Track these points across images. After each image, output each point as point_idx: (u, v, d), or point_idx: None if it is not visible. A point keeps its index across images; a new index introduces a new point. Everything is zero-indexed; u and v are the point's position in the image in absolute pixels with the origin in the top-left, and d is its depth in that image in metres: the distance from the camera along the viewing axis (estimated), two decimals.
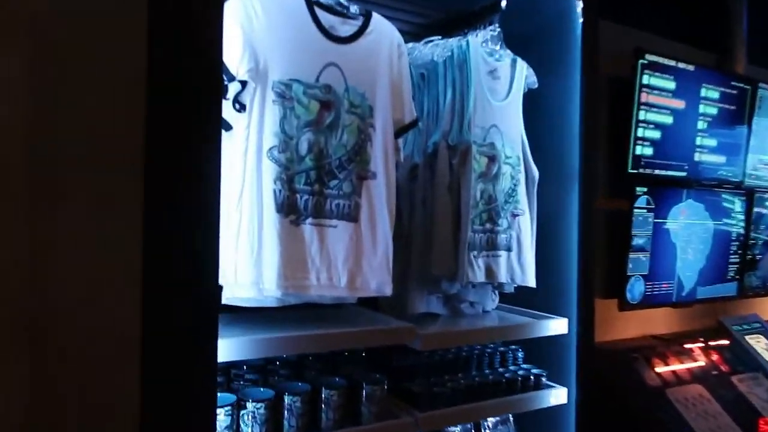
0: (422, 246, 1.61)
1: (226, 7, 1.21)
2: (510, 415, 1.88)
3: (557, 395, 1.69)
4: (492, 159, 1.66)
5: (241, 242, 1.24)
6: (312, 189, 1.31)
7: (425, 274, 1.60)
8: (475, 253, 1.62)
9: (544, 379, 1.71)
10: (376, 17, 1.43)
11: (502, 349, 1.79)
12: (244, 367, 1.33)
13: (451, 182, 1.60)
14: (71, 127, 0.97)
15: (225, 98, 1.23)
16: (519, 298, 1.81)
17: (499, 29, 1.70)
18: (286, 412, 1.27)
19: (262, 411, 1.23)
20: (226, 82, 1.21)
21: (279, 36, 1.27)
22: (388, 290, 1.40)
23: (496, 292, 1.86)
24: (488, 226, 1.65)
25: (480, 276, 1.62)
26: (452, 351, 1.71)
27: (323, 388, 1.32)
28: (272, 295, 1.28)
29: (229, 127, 1.26)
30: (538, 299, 1.78)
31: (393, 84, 1.44)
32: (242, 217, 1.24)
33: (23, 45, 0.94)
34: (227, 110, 1.25)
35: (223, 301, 1.27)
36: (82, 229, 0.97)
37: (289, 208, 1.28)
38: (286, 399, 1.27)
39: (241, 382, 1.32)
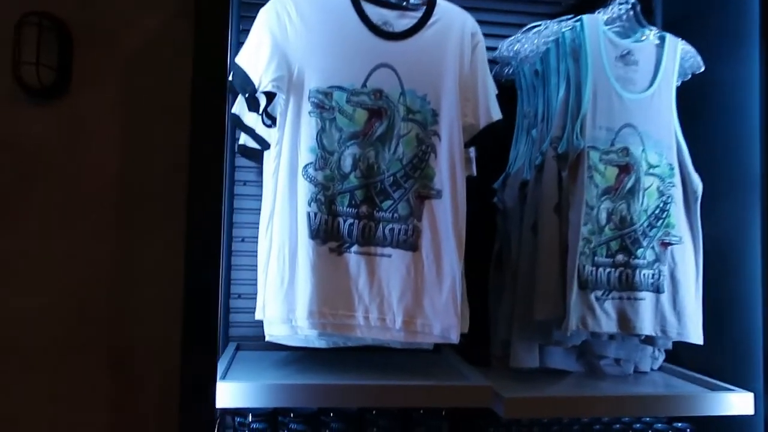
0: (528, 283, 1.27)
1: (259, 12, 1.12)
2: None
3: None
4: (625, 169, 1.25)
5: (271, 273, 1.10)
6: (358, 212, 1.12)
7: (530, 319, 1.25)
8: (599, 293, 1.22)
9: None
10: (443, 4, 1.20)
11: (660, 426, 1.31)
12: (291, 415, 1.18)
13: (560, 201, 1.24)
14: None
15: (256, 112, 1.13)
16: (695, 359, 1.32)
17: (634, 1, 1.31)
18: None
19: None
20: (243, 95, 1.11)
21: (317, 39, 1.13)
22: (454, 336, 1.11)
23: (661, 349, 1.39)
24: (621, 258, 1.24)
25: (608, 324, 1.21)
26: (579, 423, 1.31)
27: None
28: (306, 333, 1.11)
29: (266, 145, 1.15)
30: (708, 360, 1.27)
31: (464, 82, 1.18)
32: (272, 244, 1.11)
33: None
34: (260, 126, 1.15)
35: (267, 338, 1.15)
36: None
37: (327, 235, 1.11)
38: None
39: (285, 431, 1.17)
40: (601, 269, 1.23)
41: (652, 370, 1.38)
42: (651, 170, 1.27)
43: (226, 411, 1.20)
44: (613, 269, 1.24)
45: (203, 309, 0.97)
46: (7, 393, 1.25)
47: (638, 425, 1.32)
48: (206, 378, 0.96)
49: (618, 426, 1.31)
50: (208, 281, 0.96)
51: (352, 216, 1.12)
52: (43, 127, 1.30)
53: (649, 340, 1.32)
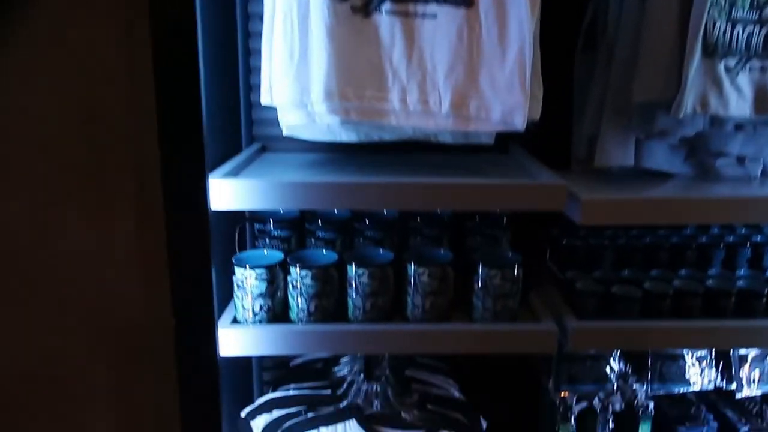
0: (629, 58, 0.93)
1: None
2: None
3: None
4: None
5: (277, 43, 0.84)
6: None
7: (628, 104, 0.94)
8: (732, 62, 0.87)
9: None
10: None
11: None
12: (319, 222, 0.99)
13: None
14: None
15: None
16: None
17: None
18: (349, 287, 0.91)
19: (309, 281, 0.89)
20: None
21: None
22: (519, 120, 0.83)
23: None
24: None
25: (738, 105, 0.89)
26: (680, 235, 1.05)
27: (411, 264, 0.90)
28: (326, 121, 0.87)
29: None
30: None
31: None
32: (276, 3, 0.83)
33: None
34: None
35: (284, 132, 0.93)
36: None
37: None
38: (350, 270, 0.90)
39: (313, 240, 0.99)
40: (739, 27, 0.87)
41: None
42: None
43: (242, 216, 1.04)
44: (757, 27, 0.87)
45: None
46: None
47: (760, 237, 1.04)
48: (196, 177, 0.77)
49: (732, 239, 1.04)
50: None
51: None
52: None
53: None
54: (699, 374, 1.13)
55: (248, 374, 1.31)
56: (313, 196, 0.81)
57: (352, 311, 0.92)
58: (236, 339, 0.87)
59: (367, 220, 0.99)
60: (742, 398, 1.20)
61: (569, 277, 0.97)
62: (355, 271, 0.89)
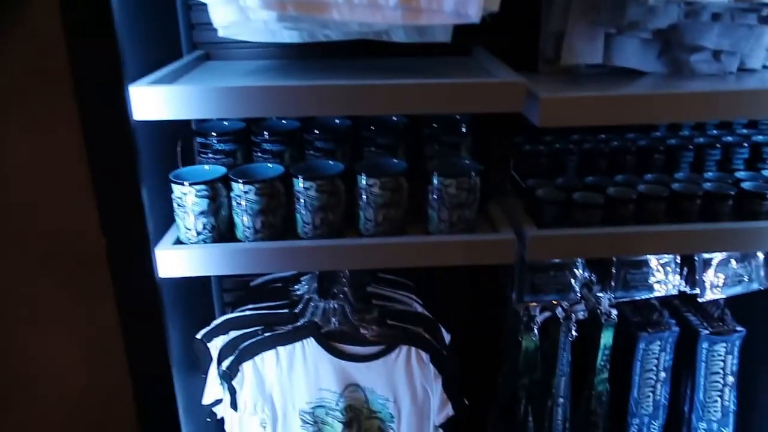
0: None
1: None
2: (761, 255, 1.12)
3: None
4: None
5: None
6: None
7: None
8: None
9: None
10: None
11: (761, 137, 0.98)
12: (265, 134, 0.92)
13: None
14: None
15: None
16: None
17: None
18: (297, 202, 0.85)
19: (253, 197, 0.83)
20: None
21: None
22: (474, 11, 0.75)
23: None
24: None
25: None
26: (649, 138, 1.00)
27: (362, 175, 0.84)
28: (262, 17, 0.77)
29: None
30: None
31: None
32: None
33: None
34: None
35: (220, 34, 0.84)
36: None
37: None
38: (296, 184, 0.84)
39: (258, 153, 0.92)
40: None
41: (765, 67, 1.00)
42: None
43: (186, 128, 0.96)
44: None
45: None
46: None
47: (732, 138, 0.99)
48: (112, 83, 0.69)
49: (702, 140, 0.99)
50: None
51: None
52: None
53: None
54: (663, 280, 1.11)
55: (208, 296, 1.28)
56: (252, 103, 0.74)
57: (301, 227, 0.87)
58: (176, 259, 0.82)
59: (317, 131, 0.91)
60: (704, 303, 1.20)
61: (530, 185, 0.92)
62: (303, 185, 0.83)
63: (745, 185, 0.90)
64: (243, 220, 0.85)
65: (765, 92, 0.81)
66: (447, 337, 1.12)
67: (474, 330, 1.30)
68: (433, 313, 1.17)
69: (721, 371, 1.19)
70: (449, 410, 1.05)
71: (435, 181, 0.84)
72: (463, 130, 0.93)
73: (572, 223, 0.87)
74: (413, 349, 1.02)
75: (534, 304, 1.14)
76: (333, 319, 1.01)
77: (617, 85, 0.89)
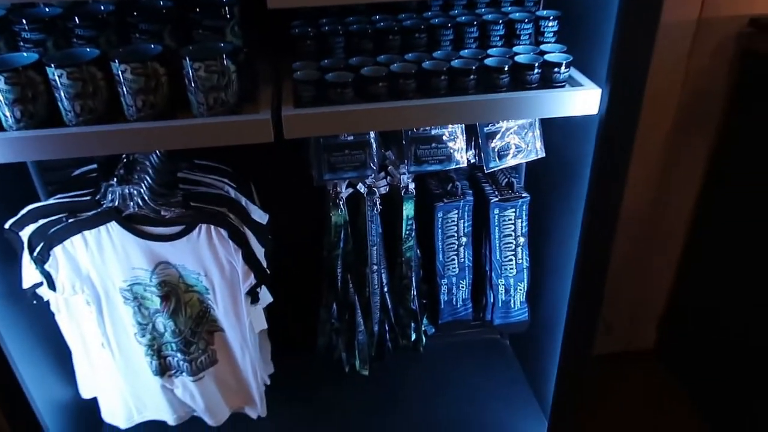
0: None
1: None
2: (537, 122, 1.23)
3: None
4: None
5: None
6: None
7: None
8: None
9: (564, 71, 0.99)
10: None
11: (519, 15, 1.05)
12: (24, 22, 0.92)
13: None
14: None
15: None
16: None
17: None
18: (55, 90, 0.88)
19: (3, 86, 0.85)
20: None
21: None
22: None
23: None
24: None
25: None
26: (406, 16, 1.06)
27: (115, 62, 0.87)
28: None
29: None
30: None
31: None
32: None
33: None
34: None
35: None
36: None
37: None
38: (50, 72, 0.87)
39: (21, 42, 0.93)
40: None
41: None
42: None
43: None
44: None
45: None
46: None
47: (493, 16, 1.06)
48: None
49: (464, 19, 1.05)
50: None
51: None
52: None
53: None
54: (453, 154, 1.21)
55: (32, 189, 1.32)
56: None
57: (65, 114, 0.90)
58: None
59: (77, 18, 0.92)
60: (497, 172, 1.32)
61: (295, 67, 0.98)
62: (55, 73, 0.86)
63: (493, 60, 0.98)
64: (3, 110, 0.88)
65: None
66: (263, 217, 1.21)
67: (297, 212, 1.39)
68: (249, 195, 1.25)
69: (512, 233, 1.34)
70: (252, 279, 1.16)
71: (185, 66, 0.88)
72: (227, 12, 0.95)
73: (328, 102, 0.94)
74: (212, 227, 1.10)
75: (338, 182, 1.24)
76: (131, 203, 1.08)
77: None
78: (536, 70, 0.97)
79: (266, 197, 1.33)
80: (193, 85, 0.90)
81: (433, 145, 1.20)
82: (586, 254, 1.13)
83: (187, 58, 0.88)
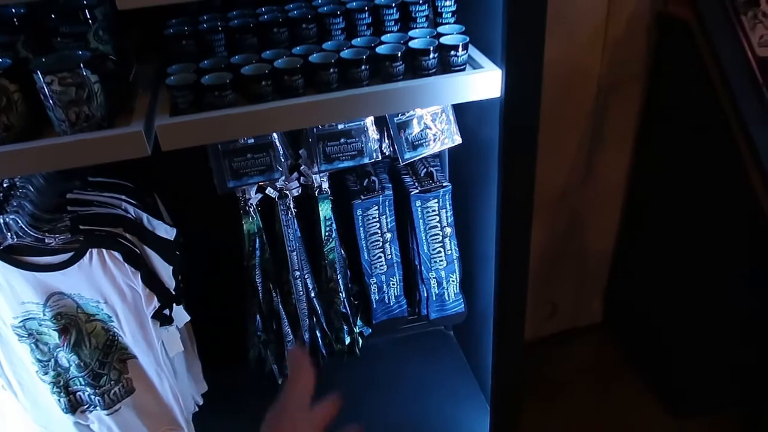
0: None
1: None
2: (450, 107, 1.17)
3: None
4: None
5: None
6: None
7: None
8: None
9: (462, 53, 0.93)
10: None
11: None
12: None
13: None
14: None
15: None
16: None
17: None
18: None
19: None
20: None
21: None
22: None
23: None
24: None
25: None
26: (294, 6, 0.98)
27: (38, 72, 0.77)
28: None
29: None
30: None
31: None
32: None
33: None
34: None
35: None
36: None
37: None
38: None
39: None
40: None
41: None
42: None
43: None
44: None
45: None
46: None
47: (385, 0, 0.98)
48: None
49: (355, 5, 0.98)
50: None
51: None
52: None
53: None
54: (366, 148, 1.15)
55: None
56: None
57: None
58: None
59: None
60: (416, 163, 1.26)
61: (169, 71, 0.89)
62: None
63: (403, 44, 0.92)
64: None
65: None
66: (171, 232, 1.12)
67: (214, 221, 1.30)
68: (155, 210, 1.16)
69: (438, 225, 1.28)
70: (156, 302, 1.08)
71: (37, 80, 0.79)
72: (88, 18, 0.86)
73: (208, 107, 0.86)
74: (104, 250, 1.01)
75: (245, 187, 1.16)
76: (8, 234, 0.98)
77: None
78: (432, 55, 0.91)
79: (178, 209, 1.24)
80: (50, 101, 0.80)
81: (342, 140, 1.13)
82: (505, 238, 1.08)
83: (38, 72, 0.78)
